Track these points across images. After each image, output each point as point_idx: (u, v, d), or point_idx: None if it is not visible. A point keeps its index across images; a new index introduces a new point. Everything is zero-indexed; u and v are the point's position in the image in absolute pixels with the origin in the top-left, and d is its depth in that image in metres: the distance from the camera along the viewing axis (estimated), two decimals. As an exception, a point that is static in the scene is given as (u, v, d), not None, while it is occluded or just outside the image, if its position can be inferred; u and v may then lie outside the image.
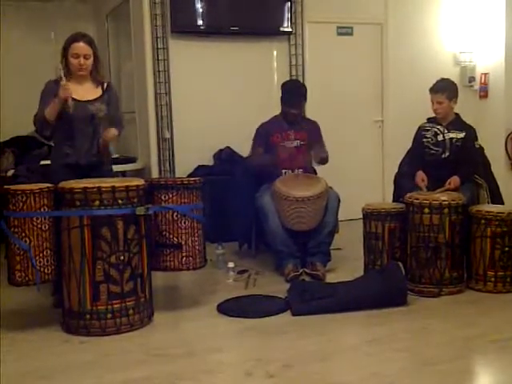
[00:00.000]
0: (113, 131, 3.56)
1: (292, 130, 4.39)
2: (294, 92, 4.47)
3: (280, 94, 4.49)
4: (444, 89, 4.22)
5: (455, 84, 4.35)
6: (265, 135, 4.42)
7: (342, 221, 4.44)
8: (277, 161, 4.31)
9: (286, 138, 4.38)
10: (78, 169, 3.47)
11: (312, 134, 4.42)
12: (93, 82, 3.58)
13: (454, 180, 4.07)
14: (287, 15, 5.67)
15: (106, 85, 3.62)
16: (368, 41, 6.19)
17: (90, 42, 3.51)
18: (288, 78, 5.61)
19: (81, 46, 3.46)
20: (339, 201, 4.20)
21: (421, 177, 4.13)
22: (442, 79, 4.33)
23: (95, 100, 3.53)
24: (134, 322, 3.10)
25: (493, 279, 3.62)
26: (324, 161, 4.37)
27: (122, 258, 3.02)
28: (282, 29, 5.72)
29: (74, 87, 3.50)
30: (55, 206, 3.07)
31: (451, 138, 4.23)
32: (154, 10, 5.33)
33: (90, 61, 3.51)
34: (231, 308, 3.40)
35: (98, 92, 3.57)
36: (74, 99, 3.45)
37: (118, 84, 6.65)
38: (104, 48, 6.71)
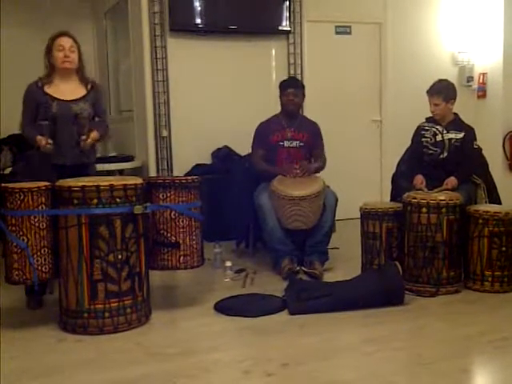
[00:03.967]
0: (93, 135, 3.53)
1: (291, 128, 4.39)
2: (292, 83, 4.52)
3: (279, 93, 4.50)
4: (440, 91, 4.21)
5: (453, 85, 4.32)
6: (264, 135, 4.41)
7: (339, 220, 4.44)
8: (280, 170, 4.26)
9: (284, 137, 4.37)
10: (64, 169, 3.46)
11: (313, 136, 4.42)
12: (79, 81, 3.60)
13: (451, 181, 4.07)
14: (286, 14, 5.68)
15: (90, 85, 3.63)
16: (366, 40, 6.20)
17: (74, 38, 3.57)
18: (286, 77, 5.61)
19: (66, 39, 3.52)
20: (337, 200, 4.20)
21: (420, 180, 4.13)
22: (440, 80, 4.32)
23: (79, 100, 3.54)
24: (132, 320, 3.09)
25: (490, 279, 3.63)
26: (320, 170, 4.38)
27: (119, 256, 3.01)
28: (280, 28, 5.72)
29: (59, 86, 3.53)
30: (53, 205, 3.06)
31: (450, 139, 4.22)
32: (153, 8, 5.33)
33: (76, 54, 3.54)
34: (229, 307, 3.40)
35: (83, 91, 3.58)
36: (57, 99, 3.49)
37: (115, 82, 6.66)
38: (102, 46, 6.71)
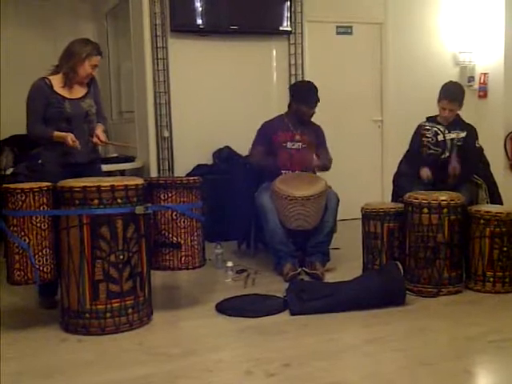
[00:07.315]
0: (101, 128, 3.58)
1: (299, 131, 4.38)
2: (311, 91, 4.38)
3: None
4: (459, 98, 4.24)
5: (464, 89, 4.38)
6: (267, 134, 4.40)
7: (340, 220, 4.45)
8: (278, 163, 4.27)
9: (290, 139, 4.36)
10: (76, 167, 3.48)
11: (316, 138, 4.42)
12: None
13: (454, 168, 4.09)
14: (287, 14, 5.68)
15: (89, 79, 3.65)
16: (367, 40, 6.20)
17: None
18: (287, 78, 5.64)
19: (100, 59, 3.56)
20: (338, 200, 4.20)
21: (426, 173, 4.13)
22: (454, 84, 4.34)
23: (85, 96, 3.57)
24: (133, 321, 3.09)
25: (491, 279, 3.62)
26: (326, 168, 4.39)
27: (121, 257, 3.02)
28: (281, 28, 5.72)
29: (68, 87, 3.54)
30: (54, 205, 3.07)
31: (452, 139, 4.23)
32: (154, 8, 5.34)
33: None
34: (230, 307, 3.40)
35: (85, 88, 3.60)
36: (67, 98, 3.49)
37: (116, 83, 6.66)
38: (103, 47, 6.69)
